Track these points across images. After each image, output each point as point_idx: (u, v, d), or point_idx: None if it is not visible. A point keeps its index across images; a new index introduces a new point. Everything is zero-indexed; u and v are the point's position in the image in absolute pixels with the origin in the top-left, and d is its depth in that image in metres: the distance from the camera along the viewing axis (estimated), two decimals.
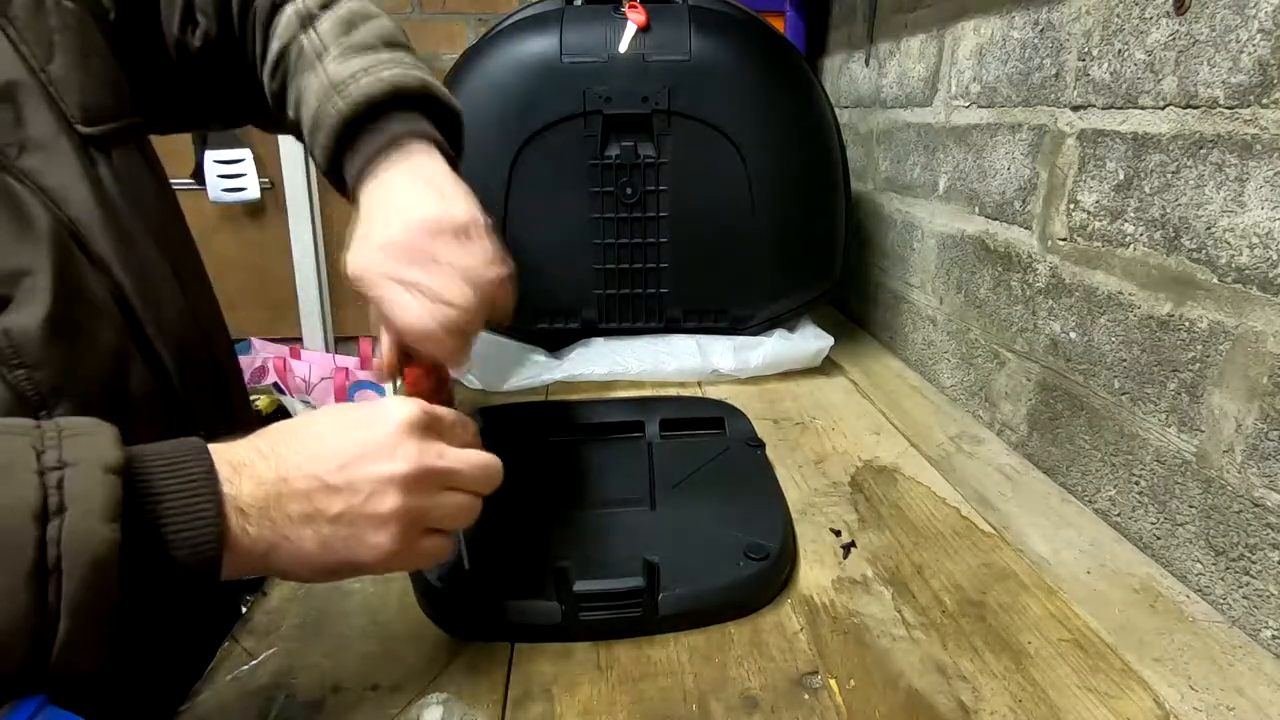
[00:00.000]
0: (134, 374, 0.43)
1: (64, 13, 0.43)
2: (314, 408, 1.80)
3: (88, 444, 0.30)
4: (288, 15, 0.54)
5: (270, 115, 0.58)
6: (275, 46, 0.54)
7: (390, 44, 0.53)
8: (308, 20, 0.54)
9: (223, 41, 0.55)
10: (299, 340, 2.05)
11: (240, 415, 0.65)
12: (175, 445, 0.33)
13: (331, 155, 0.50)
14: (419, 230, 0.45)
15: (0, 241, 0.37)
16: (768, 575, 0.51)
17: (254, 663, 0.44)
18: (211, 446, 0.33)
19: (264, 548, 0.33)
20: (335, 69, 0.50)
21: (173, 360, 0.47)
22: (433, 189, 0.47)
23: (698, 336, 0.91)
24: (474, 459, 0.39)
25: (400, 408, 0.37)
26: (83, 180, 0.42)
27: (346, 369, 2.01)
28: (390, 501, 0.35)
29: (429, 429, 0.38)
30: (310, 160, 0.57)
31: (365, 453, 0.35)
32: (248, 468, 0.33)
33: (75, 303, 0.40)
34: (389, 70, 0.50)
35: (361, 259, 0.45)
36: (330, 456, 0.35)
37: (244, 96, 0.58)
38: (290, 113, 0.55)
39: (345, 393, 1.98)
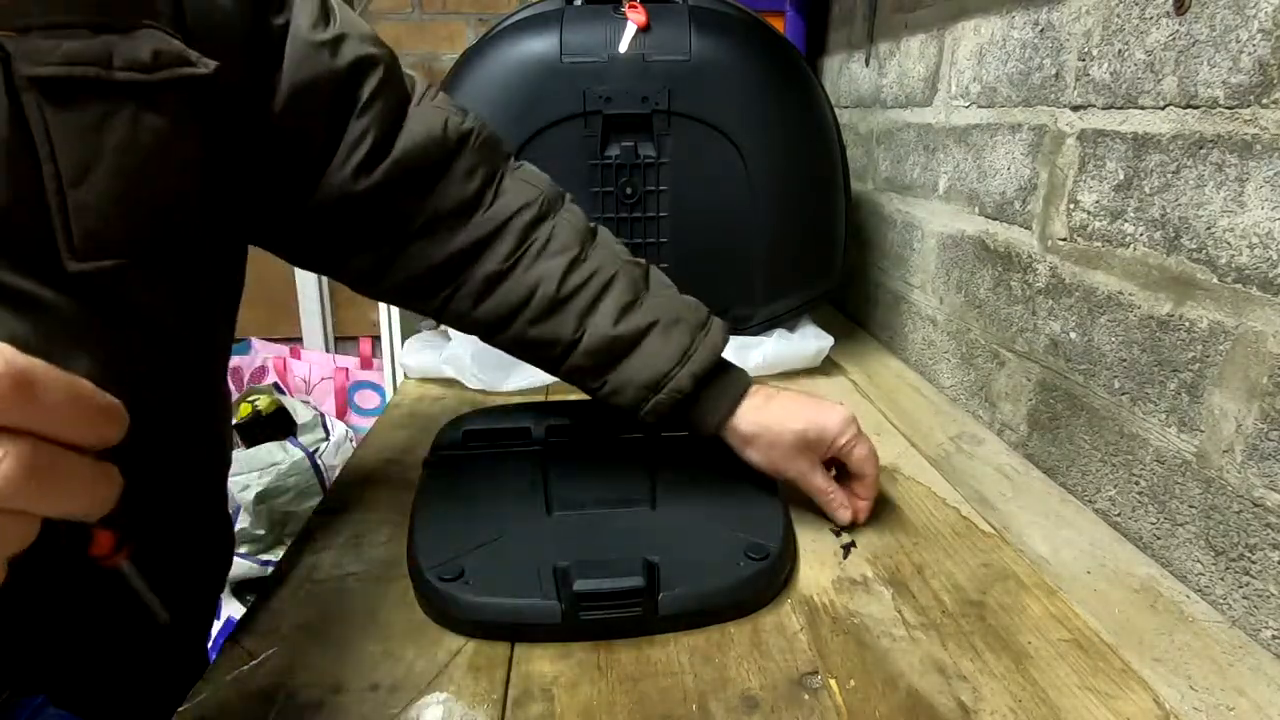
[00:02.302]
0: None
1: (138, 126, 0.38)
2: (315, 408, 1.80)
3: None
4: (567, 232, 0.58)
5: (379, 277, 0.56)
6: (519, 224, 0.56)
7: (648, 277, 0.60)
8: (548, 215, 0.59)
9: (392, 199, 0.53)
10: (299, 340, 2.05)
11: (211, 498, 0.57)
12: None
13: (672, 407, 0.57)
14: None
15: None
16: (768, 575, 0.51)
17: (254, 663, 0.44)
18: None
19: None
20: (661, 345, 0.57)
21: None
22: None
23: None
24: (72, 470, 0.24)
25: None
26: (7, 324, 0.35)
27: (346, 369, 2.01)
28: None
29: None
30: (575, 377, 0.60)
31: None
32: None
33: None
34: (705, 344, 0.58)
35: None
36: None
37: (367, 250, 0.55)
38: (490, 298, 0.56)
39: (345, 393, 1.98)
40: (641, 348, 0.56)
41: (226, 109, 0.44)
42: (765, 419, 0.57)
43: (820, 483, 0.58)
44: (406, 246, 0.55)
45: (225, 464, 0.56)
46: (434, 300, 0.57)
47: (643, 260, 0.61)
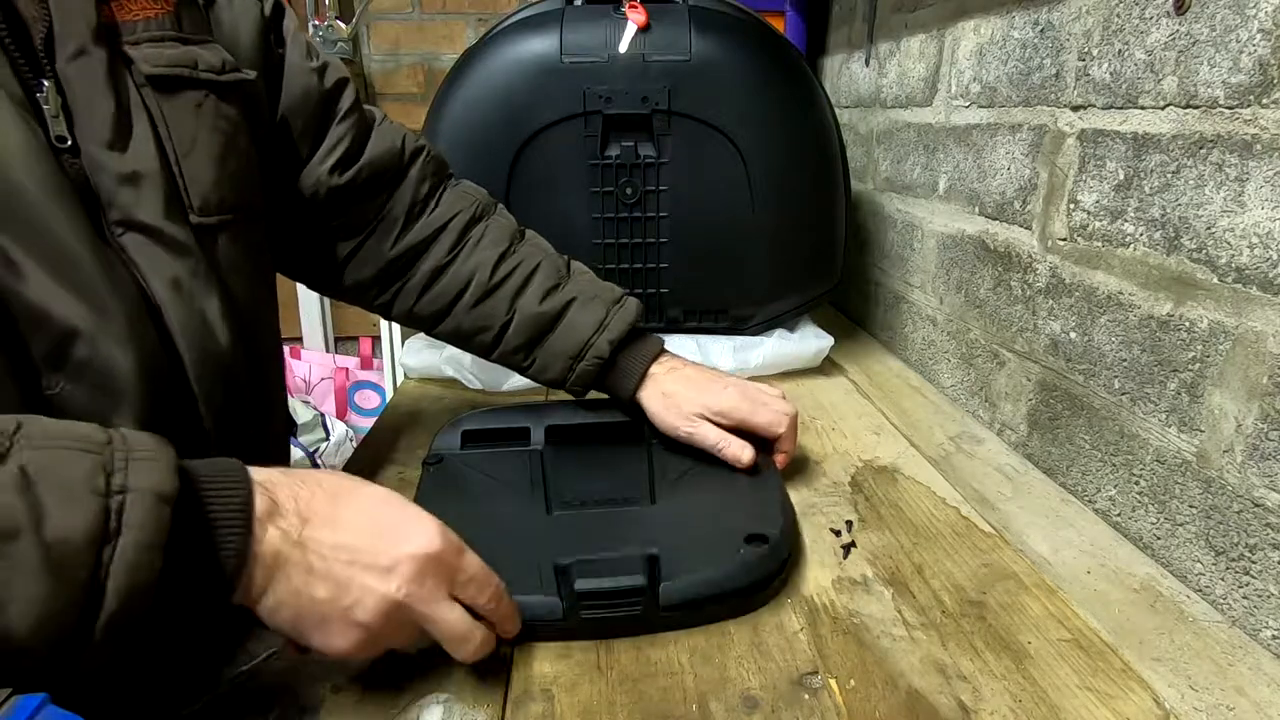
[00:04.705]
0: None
1: (219, 114, 0.50)
2: (315, 408, 1.80)
3: (149, 470, 0.33)
4: (498, 230, 0.67)
5: (337, 272, 0.65)
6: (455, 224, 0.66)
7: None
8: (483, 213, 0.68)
9: (359, 196, 0.63)
10: (299, 340, 2.05)
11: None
12: (222, 471, 0.37)
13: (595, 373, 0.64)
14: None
15: (96, 297, 0.42)
16: (768, 562, 0.50)
17: (254, 662, 0.44)
18: (257, 481, 0.37)
19: (259, 593, 0.37)
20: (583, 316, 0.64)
21: (215, 435, 0.49)
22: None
23: (698, 336, 0.91)
24: (457, 625, 0.41)
25: (425, 537, 0.40)
26: (170, 265, 0.46)
27: (346, 369, 2.01)
28: (366, 614, 0.38)
29: (440, 570, 0.40)
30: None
31: (369, 562, 0.39)
32: (278, 518, 0.37)
33: (133, 361, 0.43)
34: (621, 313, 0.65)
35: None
36: (343, 549, 0.38)
37: (330, 246, 0.64)
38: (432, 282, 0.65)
39: (345, 393, 1.98)
40: (564, 321, 0.65)
41: (255, 109, 0.54)
42: (671, 387, 0.64)
43: (712, 436, 0.61)
44: (365, 243, 0.64)
45: (288, 432, 0.65)
46: (385, 294, 0.66)
47: (566, 255, 0.69)
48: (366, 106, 0.65)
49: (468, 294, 0.65)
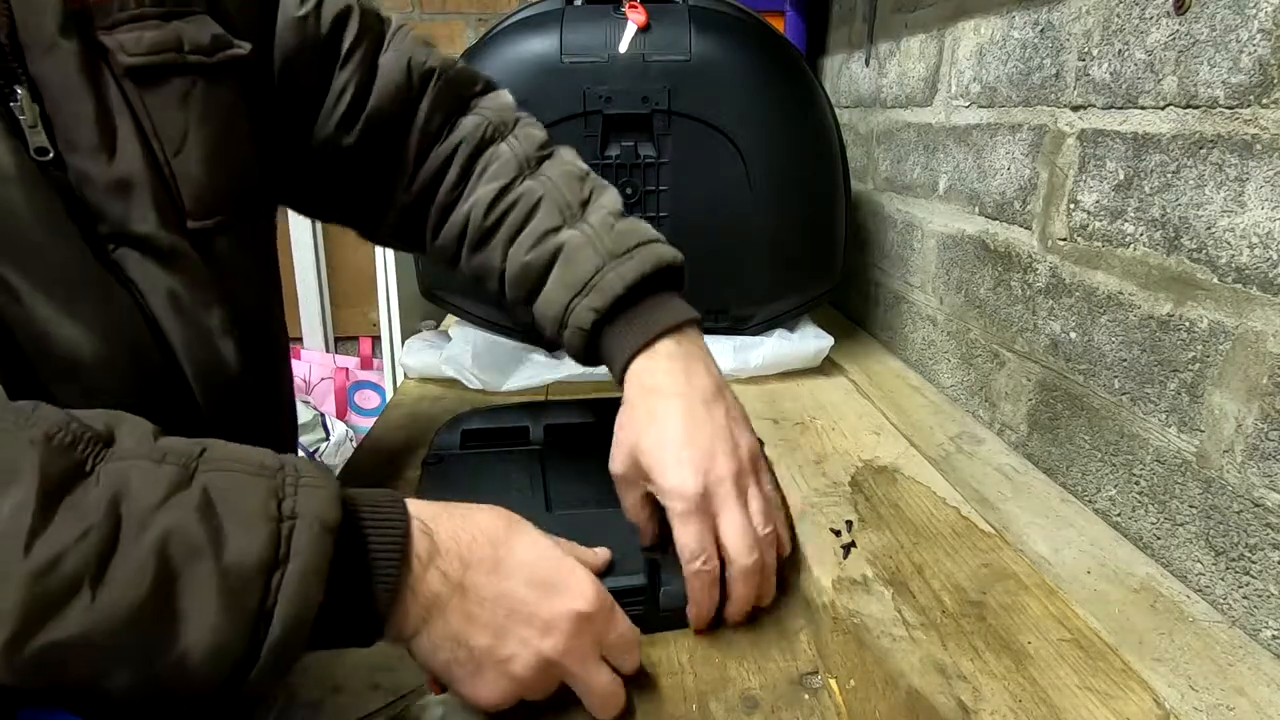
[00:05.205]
0: None
1: (210, 100, 0.44)
2: (315, 408, 1.80)
3: (316, 498, 0.33)
4: (506, 157, 0.57)
5: (373, 225, 0.61)
6: (491, 188, 0.56)
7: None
8: (530, 166, 0.57)
9: (372, 149, 0.56)
10: (299, 340, 2.05)
11: None
12: (381, 503, 0.36)
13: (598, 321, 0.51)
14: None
15: (98, 324, 0.40)
16: None
17: None
18: (416, 517, 0.36)
19: (413, 633, 0.36)
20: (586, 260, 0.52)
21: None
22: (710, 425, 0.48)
23: None
24: (606, 686, 0.39)
25: (584, 595, 0.39)
26: (167, 279, 0.43)
27: (346, 369, 2.01)
28: (521, 668, 0.37)
29: (595, 630, 0.39)
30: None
31: (529, 615, 0.37)
32: (438, 558, 0.36)
33: (138, 385, 0.42)
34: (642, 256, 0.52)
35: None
36: (503, 598, 0.37)
37: (359, 201, 0.59)
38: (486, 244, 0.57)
39: (345, 393, 1.98)
40: (551, 277, 0.53)
41: (252, 83, 0.49)
42: (636, 397, 0.50)
43: (629, 505, 0.50)
44: (390, 191, 0.58)
45: (294, 434, 0.62)
46: (412, 245, 0.61)
47: (597, 189, 0.57)
48: (378, 12, 0.58)
49: (468, 236, 0.56)
